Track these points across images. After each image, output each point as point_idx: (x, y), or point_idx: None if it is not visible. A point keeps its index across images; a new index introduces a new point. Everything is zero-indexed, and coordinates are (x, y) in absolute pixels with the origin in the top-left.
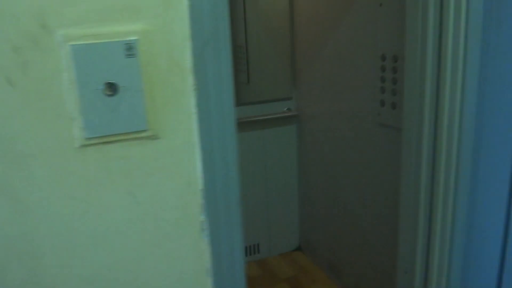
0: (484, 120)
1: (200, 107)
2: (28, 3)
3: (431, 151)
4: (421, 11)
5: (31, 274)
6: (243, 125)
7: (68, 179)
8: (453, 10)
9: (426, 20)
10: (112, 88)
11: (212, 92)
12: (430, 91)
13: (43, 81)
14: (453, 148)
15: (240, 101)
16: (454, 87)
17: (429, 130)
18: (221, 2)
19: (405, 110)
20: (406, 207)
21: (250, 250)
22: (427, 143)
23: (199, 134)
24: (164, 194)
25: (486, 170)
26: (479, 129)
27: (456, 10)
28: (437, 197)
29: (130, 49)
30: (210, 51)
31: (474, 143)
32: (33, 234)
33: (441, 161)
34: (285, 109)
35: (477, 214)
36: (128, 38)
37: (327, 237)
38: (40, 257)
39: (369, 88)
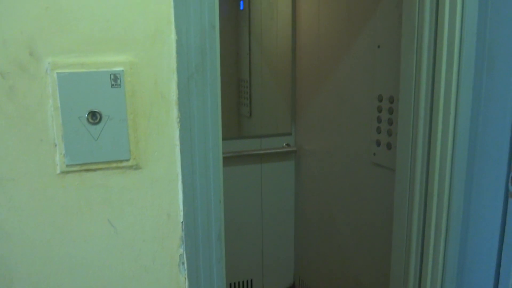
0: (476, 163)
1: (183, 140)
2: (18, 30)
3: (423, 193)
4: (416, 54)
5: None
6: (242, 158)
7: (47, 204)
8: (446, 54)
9: (420, 63)
10: (96, 116)
11: (197, 125)
12: (423, 133)
13: (27, 107)
14: (445, 191)
15: (241, 134)
16: (446, 131)
17: (421, 172)
18: (210, 38)
19: (398, 151)
20: (398, 250)
21: (242, 285)
22: (419, 185)
23: (181, 166)
24: (143, 225)
25: (478, 213)
26: (470, 172)
27: (449, 54)
28: (429, 241)
29: (115, 79)
30: (195, 84)
31: (466, 186)
32: (8, 258)
33: (432, 204)
34: (284, 144)
35: (468, 258)
36: (114, 69)
37: (321, 276)
38: (14, 281)
39: (365, 128)
